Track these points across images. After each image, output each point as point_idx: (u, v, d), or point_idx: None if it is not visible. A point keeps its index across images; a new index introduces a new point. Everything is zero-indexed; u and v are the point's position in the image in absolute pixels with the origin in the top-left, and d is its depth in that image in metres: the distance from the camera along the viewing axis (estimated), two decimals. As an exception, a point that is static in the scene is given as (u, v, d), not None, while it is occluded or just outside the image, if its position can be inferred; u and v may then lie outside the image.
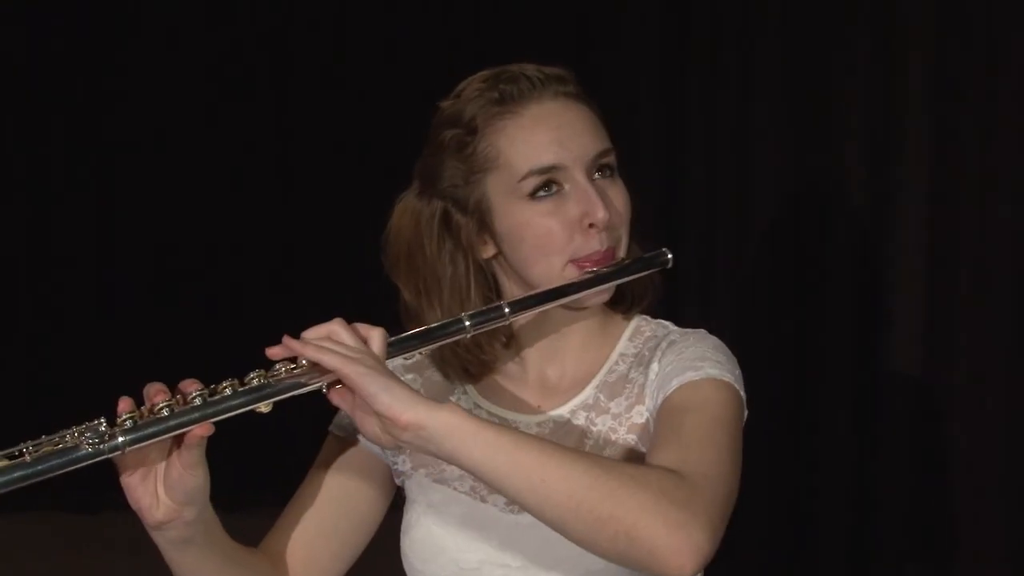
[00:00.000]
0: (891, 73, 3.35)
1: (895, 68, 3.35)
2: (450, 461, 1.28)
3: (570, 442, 1.52)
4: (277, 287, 5.04)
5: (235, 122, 5.02)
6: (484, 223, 1.52)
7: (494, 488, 1.29)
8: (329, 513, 1.57)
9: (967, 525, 3.20)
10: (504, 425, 1.30)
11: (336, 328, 1.33)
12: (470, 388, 1.60)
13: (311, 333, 1.33)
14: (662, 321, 1.61)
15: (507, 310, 1.46)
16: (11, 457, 1.23)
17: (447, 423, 1.26)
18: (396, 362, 1.60)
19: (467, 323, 1.43)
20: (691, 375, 1.44)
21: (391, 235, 1.57)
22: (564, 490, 1.24)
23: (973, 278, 3.20)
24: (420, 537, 1.55)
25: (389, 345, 1.36)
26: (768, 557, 3.59)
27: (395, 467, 1.60)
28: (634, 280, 1.56)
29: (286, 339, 1.31)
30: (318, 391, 1.31)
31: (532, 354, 1.58)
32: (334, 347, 1.29)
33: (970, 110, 3.19)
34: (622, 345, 1.58)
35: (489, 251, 1.54)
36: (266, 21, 5.06)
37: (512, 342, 1.58)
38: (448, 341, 1.43)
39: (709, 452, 1.34)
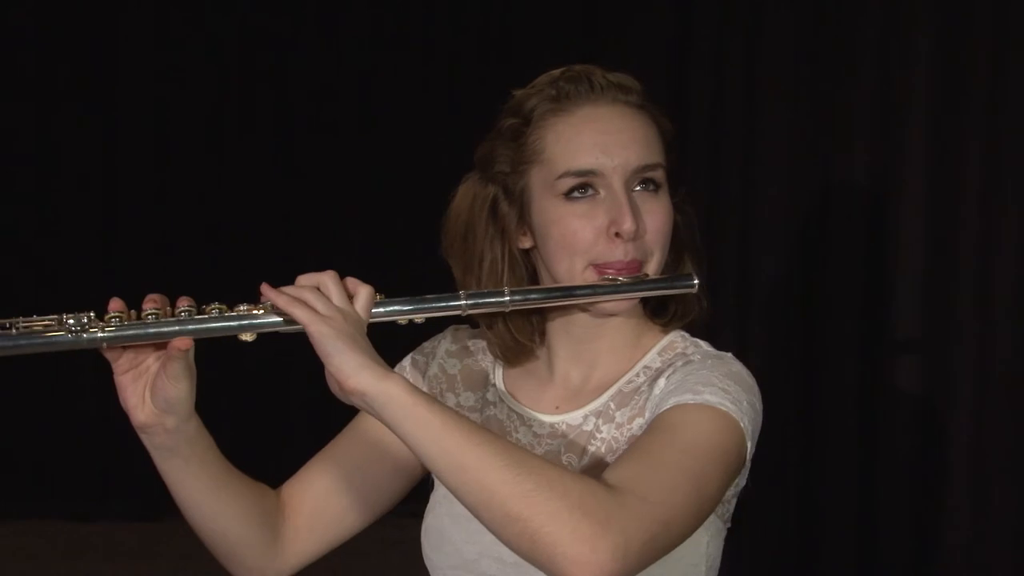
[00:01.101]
0: (896, 79, 3.30)
1: (899, 73, 3.29)
2: (390, 429, 1.32)
3: (575, 446, 1.54)
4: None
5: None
6: (524, 214, 1.56)
7: (423, 463, 1.32)
8: (346, 473, 1.62)
9: (969, 534, 3.15)
10: (447, 408, 1.32)
11: (326, 279, 1.38)
12: (500, 383, 1.63)
13: (303, 279, 1.39)
14: (698, 340, 1.59)
15: (508, 297, 1.48)
16: (2, 328, 1.32)
17: (386, 393, 1.30)
18: (441, 349, 1.67)
19: (464, 301, 1.46)
20: (688, 398, 1.42)
21: (451, 215, 1.61)
22: (479, 480, 1.27)
23: (975, 285, 3.15)
24: (432, 525, 1.60)
25: (378, 305, 1.40)
26: (772, 568, 3.55)
27: None
28: (677, 296, 1.56)
29: (264, 287, 1.37)
30: (301, 333, 1.36)
31: (559, 355, 1.60)
32: (311, 300, 1.35)
33: (973, 114, 3.12)
34: (649, 357, 1.57)
35: (527, 242, 1.57)
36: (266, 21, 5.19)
37: (543, 341, 1.61)
38: (440, 314, 1.46)
39: (663, 476, 1.33)
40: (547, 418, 1.57)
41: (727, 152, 3.72)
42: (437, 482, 1.61)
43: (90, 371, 4.90)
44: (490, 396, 1.63)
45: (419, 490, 1.68)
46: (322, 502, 1.61)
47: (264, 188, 5.20)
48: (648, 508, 1.29)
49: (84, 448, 5.16)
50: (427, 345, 1.70)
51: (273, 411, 5.18)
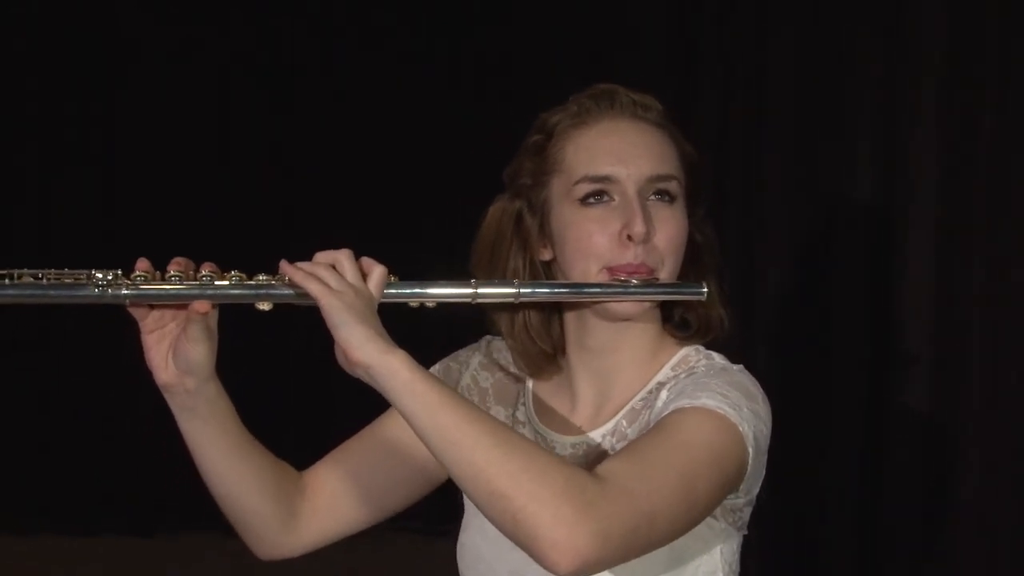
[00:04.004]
0: (903, 91, 3.27)
1: (907, 85, 3.26)
2: (389, 401, 1.38)
3: (594, 465, 1.54)
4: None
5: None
6: (544, 224, 1.61)
7: (417, 436, 1.37)
8: (369, 463, 1.68)
9: (977, 549, 3.13)
10: (446, 387, 1.37)
11: (341, 257, 1.44)
12: (530, 403, 1.68)
13: (320, 256, 1.45)
14: (712, 353, 1.61)
15: (517, 289, 1.54)
16: (35, 277, 1.40)
17: (389, 367, 1.35)
18: (475, 360, 1.72)
19: (473, 289, 1.51)
20: (685, 402, 1.46)
21: (481, 232, 1.66)
22: (469, 457, 1.32)
23: (984, 297, 3.11)
24: (466, 543, 1.65)
25: (390, 287, 1.47)
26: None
27: None
28: (700, 311, 1.60)
29: (283, 263, 1.44)
30: (314, 307, 1.42)
31: (579, 375, 1.63)
32: (325, 275, 1.41)
33: (983, 124, 3.08)
34: (663, 373, 1.60)
35: (547, 254, 1.62)
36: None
37: (563, 356, 1.65)
38: (450, 300, 1.51)
39: (650, 471, 1.36)
40: (568, 439, 1.61)
41: (732, 164, 3.72)
42: (467, 501, 1.64)
43: (90, 387, 5.04)
44: (520, 415, 1.68)
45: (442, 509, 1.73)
46: (341, 491, 1.67)
47: (268, 182, 5.29)
48: (632, 500, 1.32)
49: (83, 463, 5.21)
50: (462, 354, 1.75)
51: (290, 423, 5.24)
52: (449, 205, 4.41)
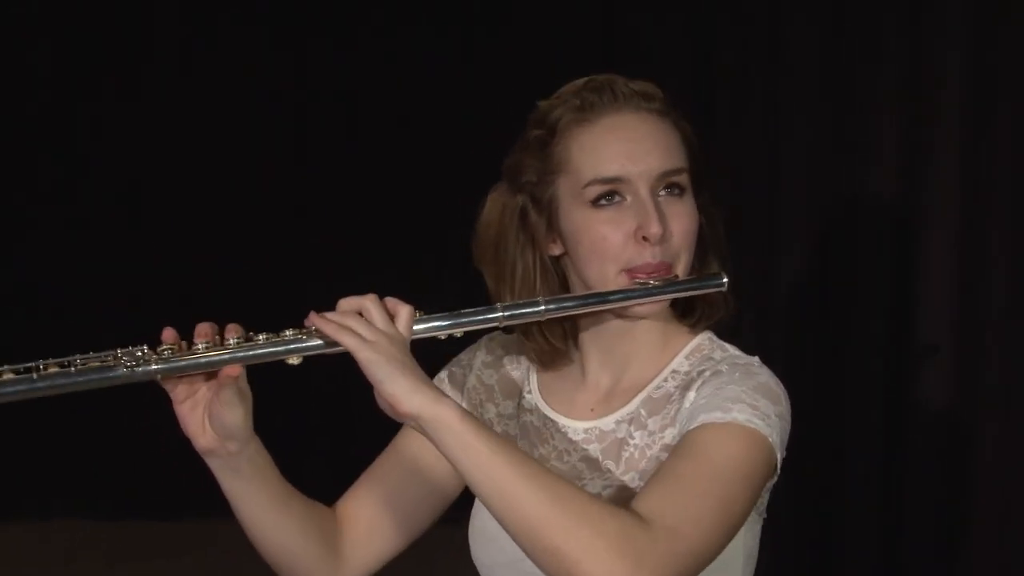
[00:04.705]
0: (923, 79, 3.28)
1: (927, 73, 3.27)
2: (440, 451, 1.38)
3: (610, 452, 1.58)
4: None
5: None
6: (553, 222, 1.59)
7: (468, 485, 1.38)
8: (397, 484, 1.68)
9: (996, 538, 3.16)
10: (494, 435, 1.37)
11: (367, 303, 1.43)
12: (535, 390, 1.68)
13: (344, 304, 1.44)
14: (725, 344, 1.62)
15: (543, 307, 1.52)
16: (61, 366, 1.39)
17: (438, 418, 1.35)
18: (478, 361, 1.72)
19: (501, 312, 1.50)
20: (717, 415, 1.45)
21: (482, 226, 1.65)
22: (521, 511, 1.32)
23: (1005, 288, 3.14)
24: (478, 525, 1.65)
25: (418, 323, 1.45)
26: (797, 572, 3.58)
27: None
28: (705, 295, 1.60)
29: (312, 315, 1.42)
30: (345, 354, 1.41)
31: (591, 360, 1.64)
32: (356, 326, 1.39)
33: (1005, 114, 3.11)
34: (677, 361, 1.61)
35: (557, 250, 1.61)
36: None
37: (574, 345, 1.65)
38: (479, 327, 1.51)
39: (692, 506, 1.37)
40: (581, 424, 1.62)
41: (751, 154, 3.70)
42: None
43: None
44: (525, 403, 1.68)
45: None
46: (375, 518, 1.67)
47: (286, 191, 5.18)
48: (679, 542, 1.34)
49: (110, 449, 5.21)
50: (463, 357, 1.75)
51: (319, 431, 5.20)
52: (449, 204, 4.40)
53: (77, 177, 5.11)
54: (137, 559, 4.84)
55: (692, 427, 1.46)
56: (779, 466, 1.50)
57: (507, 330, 1.68)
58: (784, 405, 1.52)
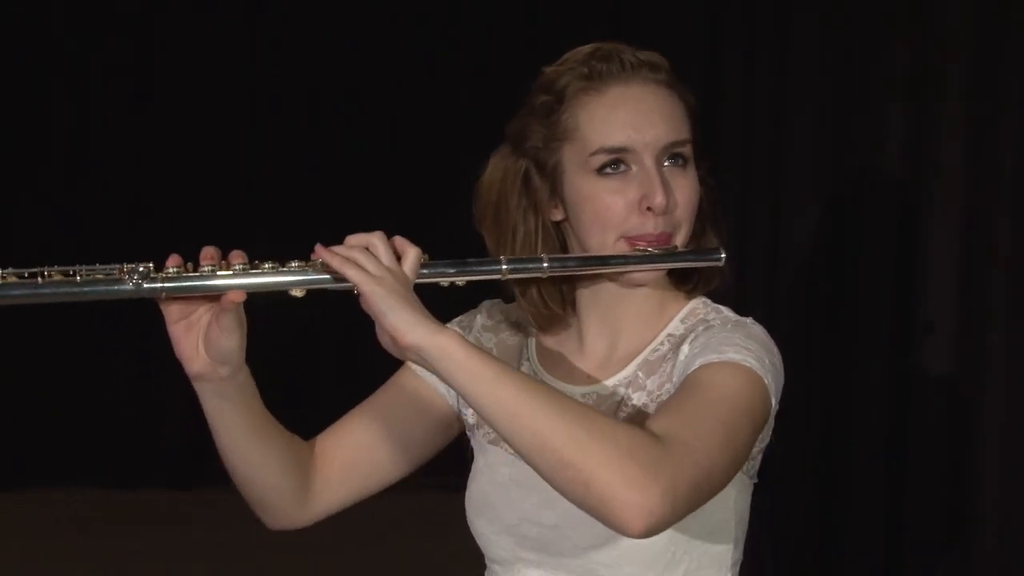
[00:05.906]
0: (932, 56, 3.33)
1: (935, 50, 3.32)
2: (444, 381, 1.39)
3: (609, 414, 1.58)
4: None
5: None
6: (556, 188, 1.61)
7: (477, 413, 1.38)
8: (380, 428, 1.68)
9: (998, 521, 3.19)
10: (498, 360, 1.38)
11: (374, 240, 1.44)
12: (533, 357, 1.69)
13: (353, 239, 1.44)
14: (720, 307, 1.64)
15: (546, 264, 1.54)
16: (66, 275, 1.37)
17: (441, 347, 1.36)
18: (477, 323, 1.73)
19: (504, 266, 1.52)
20: (712, 357, 1.48)
21: (483, 187, 1.66)
22: (533, 427, 1.33)
23: (1010, 270, 3.18)
24: (474, 492, 1.66)
25: (424, 267, 1.46)
26: (797, 552, 3.60)
27: (464, 417, 1.71)
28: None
29: (318, 247, 1.43)
30: (349, 292, 1.41)
31: (588, 325, 1.65)
32: (363, 260, 1.40)
33: (1012, 94, 3.15)
34: (672, 325, 1.63)
35: (558, 215, 1.63)
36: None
37: (572, 312, 1.66)
38: (482, 278, 1.52)
39: (699, 425, 1.39)
40: (578, 388, 1.63)
41: (759, 132, 3.74)
42: (477, 452, 1.68)
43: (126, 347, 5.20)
44: (524, 370, 1.68)
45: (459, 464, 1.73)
46: (357, 454, 1.67)
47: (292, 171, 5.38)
48: (692, 455, 1.35)
49: (123, 419, 5.41)
50: (464, 318, 1.75)
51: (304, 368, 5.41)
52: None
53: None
54: (152, 523, 5.00)
55: (690, 371, 1.49)
56: (773, 414, 1.52)
57: (506, 299, 1.71)
58: (776, 357, 1.54)
